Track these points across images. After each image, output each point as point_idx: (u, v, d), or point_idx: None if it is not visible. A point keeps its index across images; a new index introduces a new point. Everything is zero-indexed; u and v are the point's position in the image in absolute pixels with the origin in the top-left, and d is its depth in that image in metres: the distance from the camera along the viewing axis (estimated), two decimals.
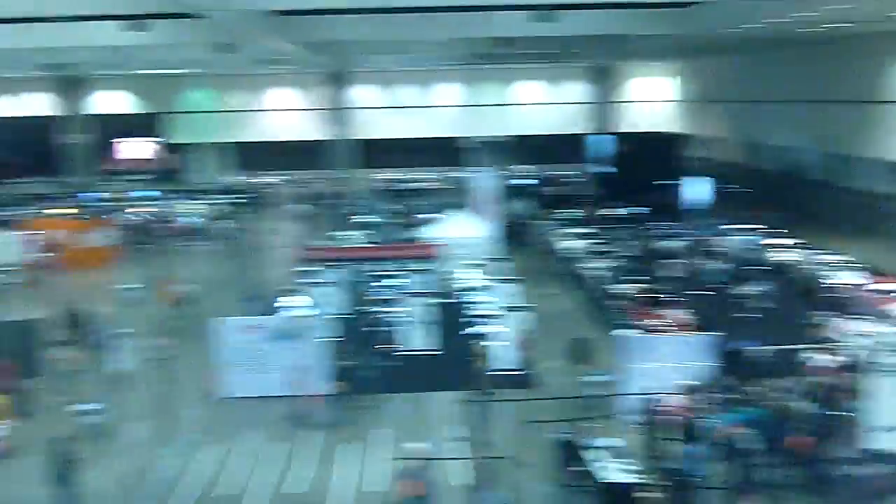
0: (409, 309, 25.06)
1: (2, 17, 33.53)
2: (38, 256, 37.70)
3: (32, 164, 77.15)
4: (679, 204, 45.98)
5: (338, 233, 40.99)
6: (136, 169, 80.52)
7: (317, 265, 30.26)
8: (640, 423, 18.75)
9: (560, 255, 37.20)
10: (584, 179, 58.62)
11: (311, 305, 26.36)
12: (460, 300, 25.84)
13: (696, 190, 46.45)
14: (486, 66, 63.90)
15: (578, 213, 46.72)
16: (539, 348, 24.11)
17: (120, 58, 45.59)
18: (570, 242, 38.40)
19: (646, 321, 24.72)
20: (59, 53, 46.37)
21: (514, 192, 50.44)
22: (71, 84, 67.38)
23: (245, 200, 57.17)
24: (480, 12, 34.91)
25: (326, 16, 35.60)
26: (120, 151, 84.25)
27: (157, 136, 79.61)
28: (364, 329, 24.30)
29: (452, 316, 24.15)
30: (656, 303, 27.15)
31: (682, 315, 25.24)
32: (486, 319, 24.21)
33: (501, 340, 23.41)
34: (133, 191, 60.91)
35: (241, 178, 71.36)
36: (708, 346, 21.01)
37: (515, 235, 41.49)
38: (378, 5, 31.20)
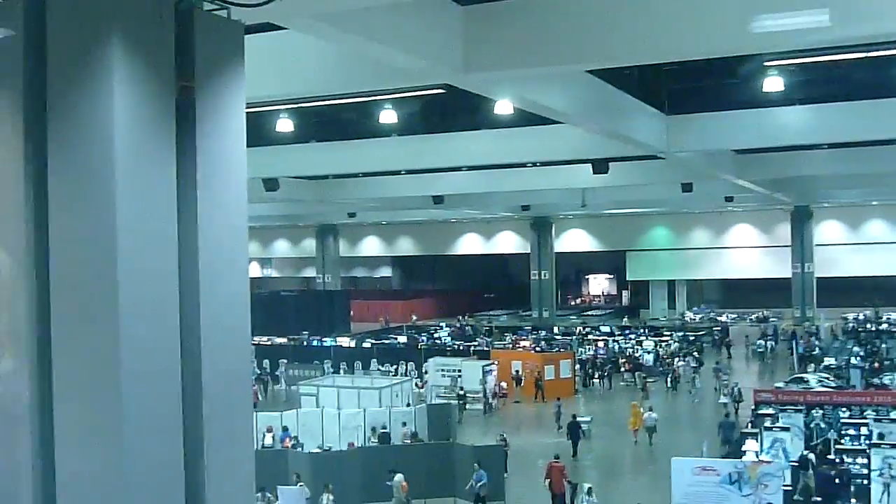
0: (879, 461, 23.15)
1: (484, 165, 36.56)
2: (499, 385, 39.70)
3: (501, 298, 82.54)
4: None
5: (798, 374, 39.19)
6: (595, 304, 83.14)
7: (776, 408, 29.10)
8: None
9: None
10: None
11: (769, 450, 25.27)
12: None
13: None
14: None
15: None
16: None
17: (585, 199, 47.73)
18: None
19: None
20: (531, 196, 49.53)
21: None
22: (539, 224, 71.40)
23: (702, 338, 56.52)
24: None
25: (789, 152, 34.87)
26: (582, 287, 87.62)
27: (616, 274, 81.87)
28: (826, 480, 22.80)
29: None
30: None
31: None
32: None
33: None
34: (591, 326, 62.74)
35: (699, 316, 70.86)
36: None
37: None
38: (846, 139, 30.05)
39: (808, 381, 36.28)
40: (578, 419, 32.56)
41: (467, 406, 37.18)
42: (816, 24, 12.30)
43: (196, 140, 7.44)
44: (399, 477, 23.15)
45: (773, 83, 20.47)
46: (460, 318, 71.01)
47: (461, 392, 37.45)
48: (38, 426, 7.05)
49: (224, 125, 7.76)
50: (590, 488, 22.32)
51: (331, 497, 22.19)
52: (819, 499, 22.59)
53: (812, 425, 28.44)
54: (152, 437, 7.06)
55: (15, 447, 7.11)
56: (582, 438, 30.46)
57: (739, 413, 33.66)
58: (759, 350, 51.67)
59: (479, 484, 23.58)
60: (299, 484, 22.68)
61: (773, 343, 53.39)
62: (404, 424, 28.91)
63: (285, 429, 28.41)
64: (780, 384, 36.71)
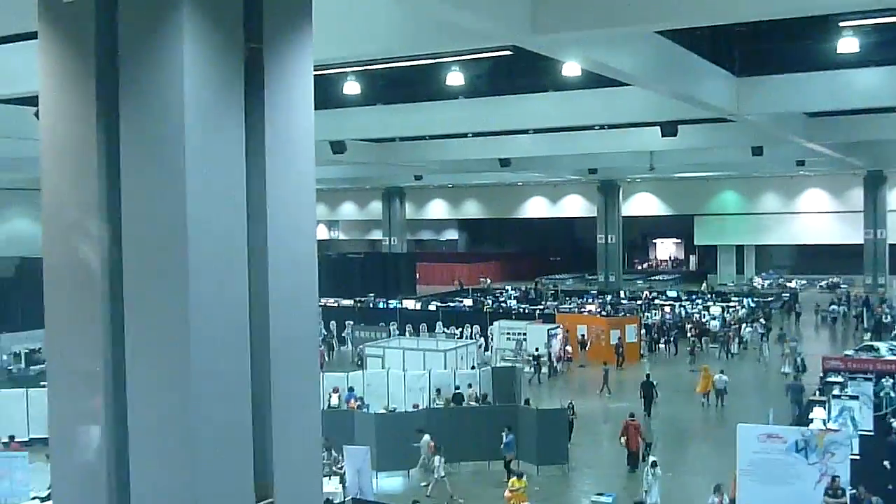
0: None
1: (551, 128, 36.27)
2: (564, 349, 39.68)
3: (568, 262, 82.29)
4: None
5: (869, 342, 38.55)
6: (662, 269, 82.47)
7: (845, 375, 28.70)
8: None
9: None
10: None
11: (837, 418, 24.94)
12: None
13: None
14: None
15: None
16: None
17: (652, 162, 47.26)
18: None
19: None
20: (598, 159, 49.12)
21: None
22: (606, 187, 70.94)
23: (770, 304, 55.82)
24: None
25: (863, 115, 34.12)
26: (648, 252, 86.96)
27: (684, 238, 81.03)
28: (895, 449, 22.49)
29: None
30: None
31: None
32: None
33: None
34: (658, 290, 62.30)
35: (767, 281, 69.92)
36: None
37: None
38: None
39: (878, 349, 35.68)
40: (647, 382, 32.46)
41: (540, 370, 37.30)
42: None
43: (264, 102, 7.52)
44: (426, 438, 23.21)
45: (848, 44, 20.01)
46: (537, 281, 71.01)
47: (536, 354, 37.53)
48: (111, 383, 7.23)
49: (292, 87, 7.82)
50: (654, 461, 21.98)
51: (442, 459, 22.54)
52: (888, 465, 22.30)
53: (881, 394, 28.01)
54: (221, 396, 7.20)
55: (90, 403, 7.30)
56: (654, 399, 30.65)
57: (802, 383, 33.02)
58: (833, 316, 50.95)
59: (505, 446, 23.66)
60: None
61: (846, 309, 52.57)
62: (470, 386, 29.08)
63: (351, 389, 28.73)
64: (850, 352, 36.16)
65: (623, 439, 24.72)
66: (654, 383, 31.42)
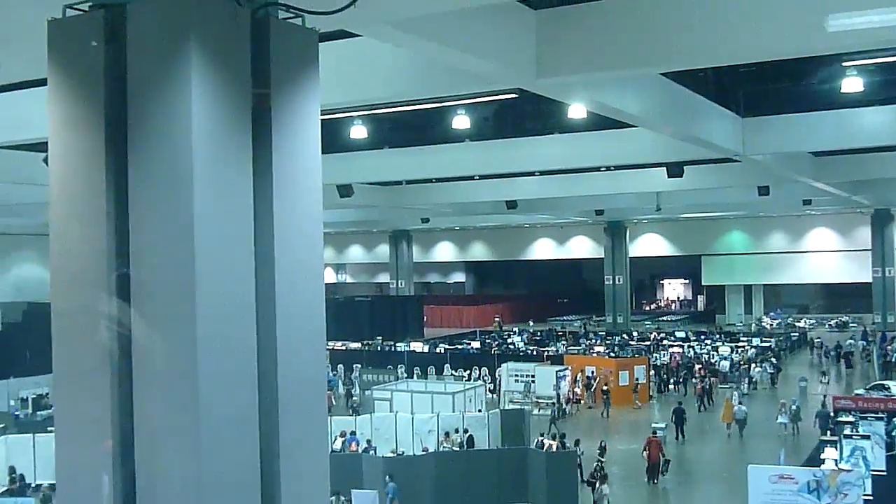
0: None
1: (557, 170, 36.35)
2: (572, 391, 39.46)
3: (575, 303, 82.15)
4: None
5: (880, 381, 38.30)
6: (670, 310, 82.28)
7: (855, 415, 28.49)
8: None
9: None
10: None
11: (849, 458, 24.71)
12: None
13: None
14: None
15: None
16: None
17: (659, 203, 47.31)
18: None
19: None
20: (604, 200, 49.22)
21: None
22: (613, 228, 70.99)
23: (779, 343, 55.57)
24: None
25: (869, 154, 34.14)
26: (656, 293, 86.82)
27: (692, 278, 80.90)
28: None
29: None
30: None
31: None
32: None
33: None
34: (666, 331, 62.10)
35: (776, 321, 69.68)
36: None
37: None
38: None
39: (889, 388, 35.45)
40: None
41: (539, 411, 37.19)
42: (893, 21, 12.01)
43: (272, 147, 7.55)
44: None
45: (852, 83, 20.08)
46: (585, 321, 70.64)
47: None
48: (118, 428, 7.20)
49: (299, 132, 7.85)
50: None
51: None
52: None
53: (894, 433, 27.78)
54: (229, 440, 7.16)
55: (97, 449, 7.26)
56: (684, 423, 33.53)
57: (800, 432, 32.71)
58: (849, 351, 50.74)
59: (389, 498, 23.26)
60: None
61: (864, 344, 52.45)
62: (456, 431, 28.83)
63: (353, 433, 28.50)
64: (861, 391, 35.93)
65: (645, 453, 27.85)
66: (657, 429, 31.52)
